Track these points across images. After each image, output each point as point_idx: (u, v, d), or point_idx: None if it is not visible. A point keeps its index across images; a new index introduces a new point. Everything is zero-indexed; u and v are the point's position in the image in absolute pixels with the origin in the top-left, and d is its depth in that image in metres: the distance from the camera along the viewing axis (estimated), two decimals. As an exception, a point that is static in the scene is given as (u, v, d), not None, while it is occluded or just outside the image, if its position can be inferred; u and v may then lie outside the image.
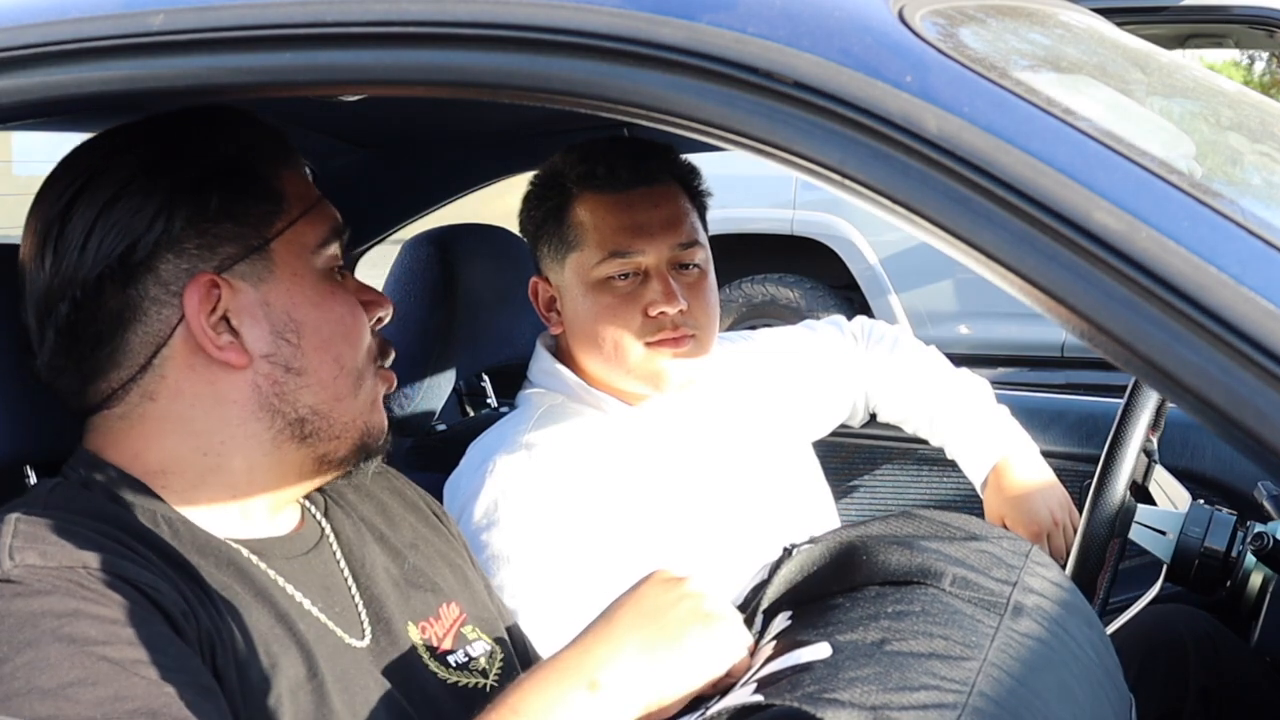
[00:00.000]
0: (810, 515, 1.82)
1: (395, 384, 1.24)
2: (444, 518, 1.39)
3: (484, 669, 1.23)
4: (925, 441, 2.04)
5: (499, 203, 2.37)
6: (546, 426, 1.67)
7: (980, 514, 1.91)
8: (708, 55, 0.87)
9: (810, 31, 0.86)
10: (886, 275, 5.94)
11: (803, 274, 6.15)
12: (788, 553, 1.09)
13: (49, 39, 1.04)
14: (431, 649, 1.20)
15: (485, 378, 2.11)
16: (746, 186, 5.66)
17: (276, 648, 1.06)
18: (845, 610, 0.98)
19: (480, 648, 1.24)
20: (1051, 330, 5.40)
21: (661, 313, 1.62)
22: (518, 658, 1.30)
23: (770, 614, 1.06)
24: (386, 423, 1.22)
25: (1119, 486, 1.57)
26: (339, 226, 1.20)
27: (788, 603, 1.05)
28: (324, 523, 1.23)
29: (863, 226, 5.94)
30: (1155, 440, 1.70)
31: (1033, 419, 2.05)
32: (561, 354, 1.74)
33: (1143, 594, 1.66)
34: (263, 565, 1.12)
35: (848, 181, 0.86)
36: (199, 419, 1.12)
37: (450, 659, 1.21)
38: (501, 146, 2.16)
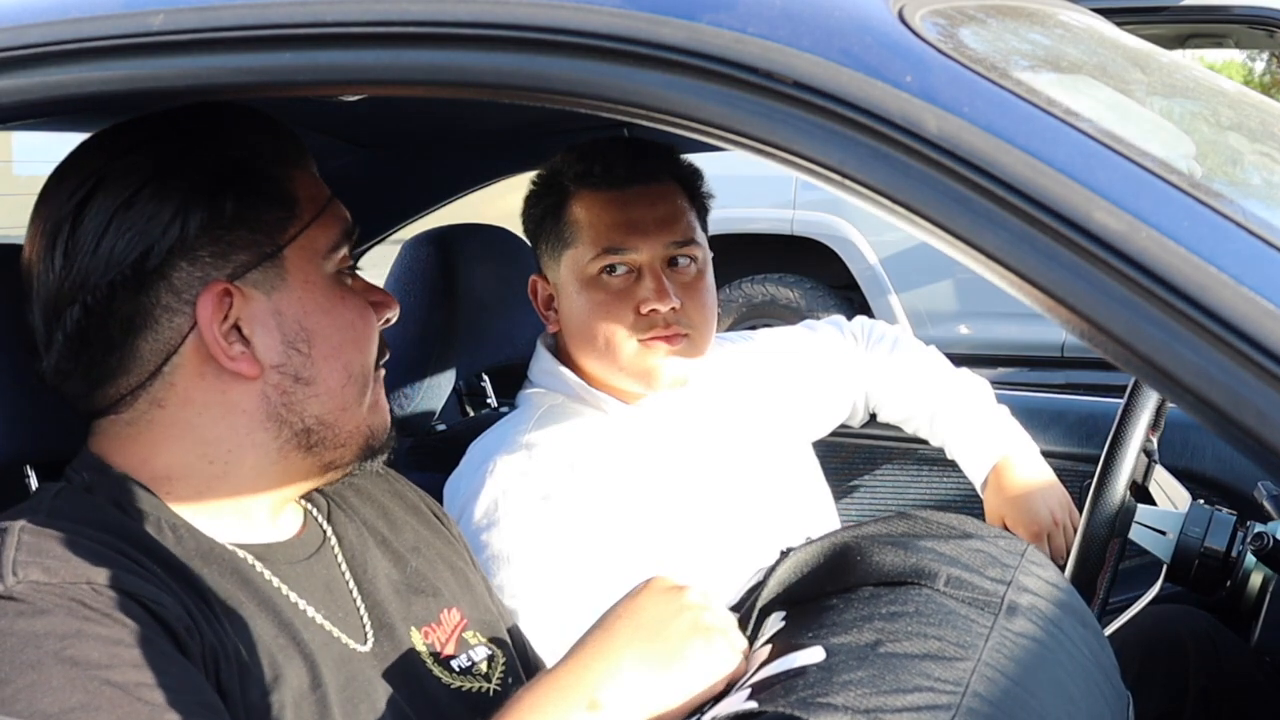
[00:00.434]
0: (810, 515, 1.82)
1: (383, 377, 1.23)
2: (445, 520, 1.39)
3: (486, 673, 1.22)
4: (925, 441, 2.04)
5: (499, 203, 2.37)
6: (546, 426, 1.67)
7: (980, 514, 1.91)
8: (708, 55, 0.87)
9: (810, 31, 0.86)
10: (886, 275, 5.94)
11: (803, 274, 6.15)
12: (784, 556, 1.08)
13: (49, 39, 1.04)
14: (434, 654, 1.20)
15: (485, 378, 2.11)
16: (746, 186, 5.65)
17: (281, 657, 1.05)
18: (839, 612, 0.98)
19: (482, 652, 1.24)
20: (1051, 330, 5.40)
21: (653, 310, 1.62)
22: (519, 659, 1.29)
23: (764, 614, 1.05)
24: (390, 419, 1.22)
25: (1119, 486, 1.57)
26: (350, 227, 1.19)
27: (782, 603, 1.05)
28: (326, 527, 1.23)
29: (863, 226, 5.94)
30: (1155, 440, 1.70)
31: (1033, 419, 2.05)
32: (561, 354, 1.74)
33: (1143, 594, 1.66)
34: (266, 572, 1.11)
35: (848, 181, 0.86)
36: (207, 427, 1.11)
37: (453, 663, 1.21)
38: (501, 146, 2.16)
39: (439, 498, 1.55)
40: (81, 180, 1.09)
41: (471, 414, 2.12)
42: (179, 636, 0.98)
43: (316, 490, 1.22)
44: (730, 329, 3.07)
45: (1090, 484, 1.60)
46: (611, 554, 1.59)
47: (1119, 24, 1.49)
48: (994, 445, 1.91)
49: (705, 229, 1.73)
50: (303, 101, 1.53)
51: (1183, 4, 3.32)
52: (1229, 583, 1.57)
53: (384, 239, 2.22)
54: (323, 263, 1.15)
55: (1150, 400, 1.61)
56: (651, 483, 1.67)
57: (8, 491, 1.16)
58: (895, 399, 2.02)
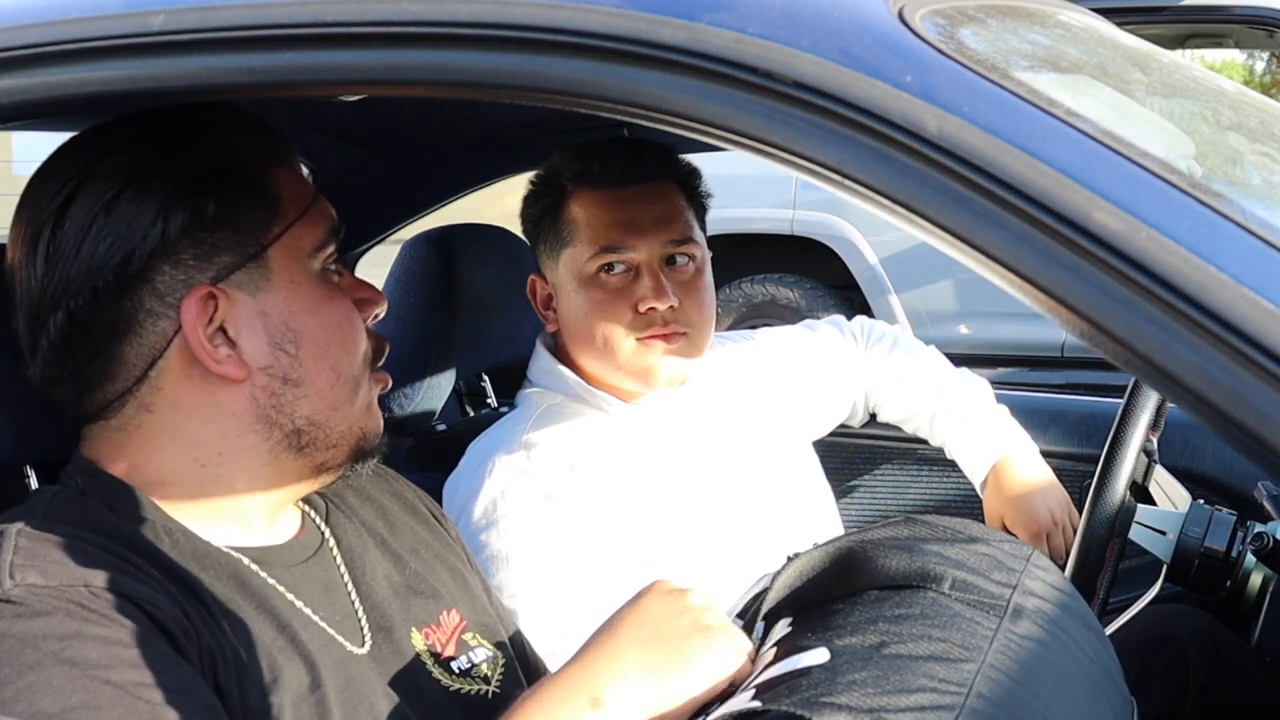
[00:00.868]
0: (811, 515, 1.82)
1: (390, 384, 1.22)
2: (443, 520, 1.39)
3: (486, 675, 1.22)
4: (925, 441, 2.04)
5: (499, 203, 2.37)
6: (545, 426, 1.68)
7: (980, 514, 1.91)
8: (708, 55, 0.87)
9: (810, 31, 0.86)
10: (886, 275, 5.94)
11: (803, 274, 6.15)
12: (790, 561, 1.09)
13: (49, 39, 1.04)
14: (434, 655, 1.19)
15: (485, 378, 2.11)
16: (746, 186, 5.65)
17: (280, 659, 1.05)
18: (844, 615, 0.98)
19: (482, 654, 1.24)
20: (1051, 330, 5.40)
21: (651, 308, 1.62)
22: (518, 660, 1.29)
23: (771, 620, 1.05)
24: (382, 424, 1.21)
25: (1119, 486, 1.57)
26: (336, 225, 1.17)
27: (789, 608, 1.05)
28: (324, 529, 1.22)
29: (863, 226, 5.94)
30: (1155, 440, 1.70)
31: (1033, 419, 2.05)
32: (560, 354, 1.74)
33: (1143, 594, 1.66)
34: (263, 574, 1.11)
35: (848, 181, 0.86)
36: (196, 431, 1.10)
37: (453, 665, 1.20)
38: (501, 146, 2.16)
39: (438, 498, 1.55)
40: (63, 182, 1.08)
41: (471, 414, 2.12)
42: (176, 639, 0.98)
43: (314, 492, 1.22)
44: (730, 329, 3.07)
45: (1090, 484, 1.60)
46: (611, 553, 1.59)
47: (1119, 24, 1.49)
48: (994, 445, 1.91)
49: (703, 228, 1.73)
50: (303, 101, 1.53)
51: (1183, 4, 3.32)
52: (1229, 583, 1.57)
53: (384, 239, 2.22)
54: (308, 261, 1.13)
55: (1150, 400, 1.61)
56: (651, 482, 1.67)
57: (8, 492, 1.16)
58: (895, 399, 2.02)
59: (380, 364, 1.21)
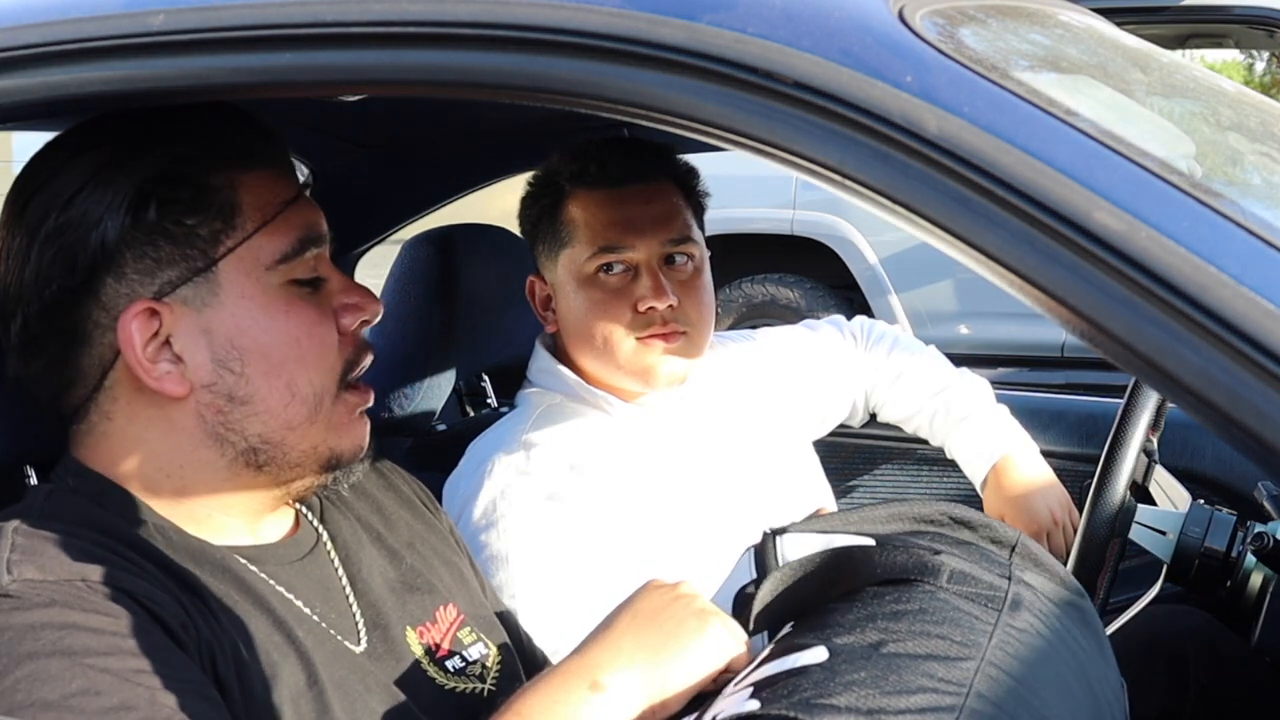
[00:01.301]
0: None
1: (372, 399, 1.17)
2: (435, 509, 1.38)
3: (481, 674, 1.22)
4: (925, 441, 2.04)
5: (499, 203, 2.37)
6: (545, 426, 1.68)
7: (980, 514, 1.91)
8: (708, 55, 0.87)
9: (810, 31, 0.86)
10: (886, 275, 5.93)
11: (803, 274, 6.15)
12: (768, 537, 1.10)
13: (49, 39, 1.04)
14: (430, 654, 1.19)
15: (485, 378, 2.11)
16: (746, 186, 5.65)
17: (276, 655, 1.05)
18: (842, 612, 0.98)
19: (478, 651, 1.24)
20: (1051, 330, 5.40)
21: (651, 308, 1.62)
22: (518, 656, 1.29)
23: (774, 629, 1.06)
24: (365, 440, 1.16)
25: (1119, 486, 1.57)
26: (314, 233, 1.12)
27: (789, 615, 1.06)
28: (319, 526, 1.22)
29: (863, 226, 5.93)
30: (1155, 440, 1.70)
31: (1033, 419, 2.05)
32: (560, 354, 1.74)
33: (1143, 594, 1.66)
34: (259, 572, 1.11)
35: (848, 181, 0.86)
36: (154, 442, 1.09)
37: (448, 664, 1.20)
38: (501, 146, 2.16)
39: (439, 498, 1.55)
40: (23, 186, 1.08)
41: (471, 414, 2.12)
42: (174, 632, 0.98)
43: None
44: (730, 329, 3.07)
45: (1090, 484, 1.60)
46: (611, 552, 1.59)
47: (1119, 24, 1.49)
48: (994, 445, 1.91)
49: (702, 227, 1.73)
50: (303, 101, 1.53)
51: (1183, 4, 3.32)
52: (1229, 583, 1.57)
53: (384, 239, 2.22)
54: (266, 275, 1.08)
55: (1150, 400, 1.61)
56: (651, 481, 1.67)
57: (8, 491, 1.16)
58: (895, 399, 2.02)
59: (359, 375, 1.15)
